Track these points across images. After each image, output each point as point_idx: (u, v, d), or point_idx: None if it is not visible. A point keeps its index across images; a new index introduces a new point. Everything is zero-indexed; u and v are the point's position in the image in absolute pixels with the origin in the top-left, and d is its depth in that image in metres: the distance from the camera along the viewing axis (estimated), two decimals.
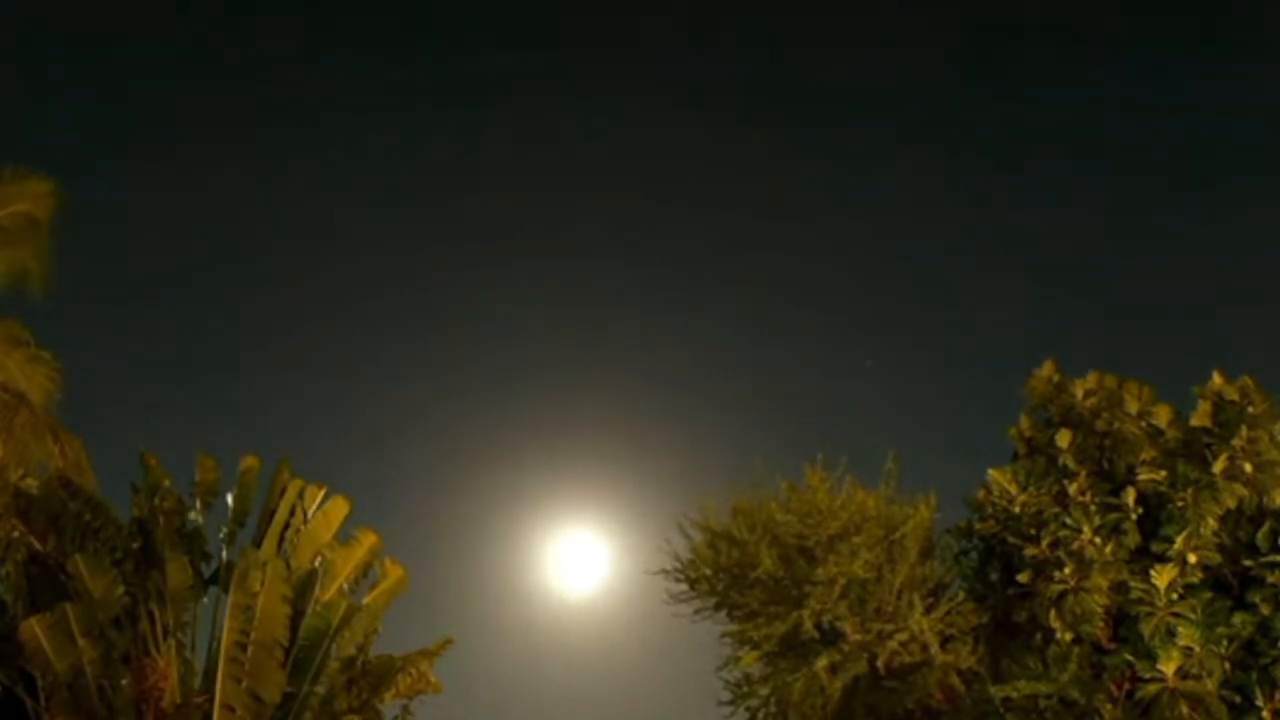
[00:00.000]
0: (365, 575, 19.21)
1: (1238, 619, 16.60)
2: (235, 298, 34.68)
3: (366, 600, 19.05)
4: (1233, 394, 17.56)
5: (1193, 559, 16.66)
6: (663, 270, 35.03)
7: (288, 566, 17.94)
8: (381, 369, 34.99)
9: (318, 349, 34.26)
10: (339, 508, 19.19)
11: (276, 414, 32.61)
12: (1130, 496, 17.14)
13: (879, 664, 17.59)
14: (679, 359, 33.66)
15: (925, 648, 17.46)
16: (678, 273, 35.64)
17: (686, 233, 36.05)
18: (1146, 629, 16.54)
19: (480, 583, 28.71)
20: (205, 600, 18.30)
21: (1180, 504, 16.91)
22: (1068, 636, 16.94)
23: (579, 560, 27.92)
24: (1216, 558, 16.84)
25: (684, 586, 18.77)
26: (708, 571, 18.57)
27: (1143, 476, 17.31)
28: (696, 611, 18.77)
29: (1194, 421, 17.61)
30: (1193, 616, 16.48)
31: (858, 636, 17.47)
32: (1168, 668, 16.36)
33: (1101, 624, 16.94)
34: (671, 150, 36.08)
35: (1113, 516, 17.16)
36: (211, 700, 16.96)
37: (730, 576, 18.35)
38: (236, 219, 35.24)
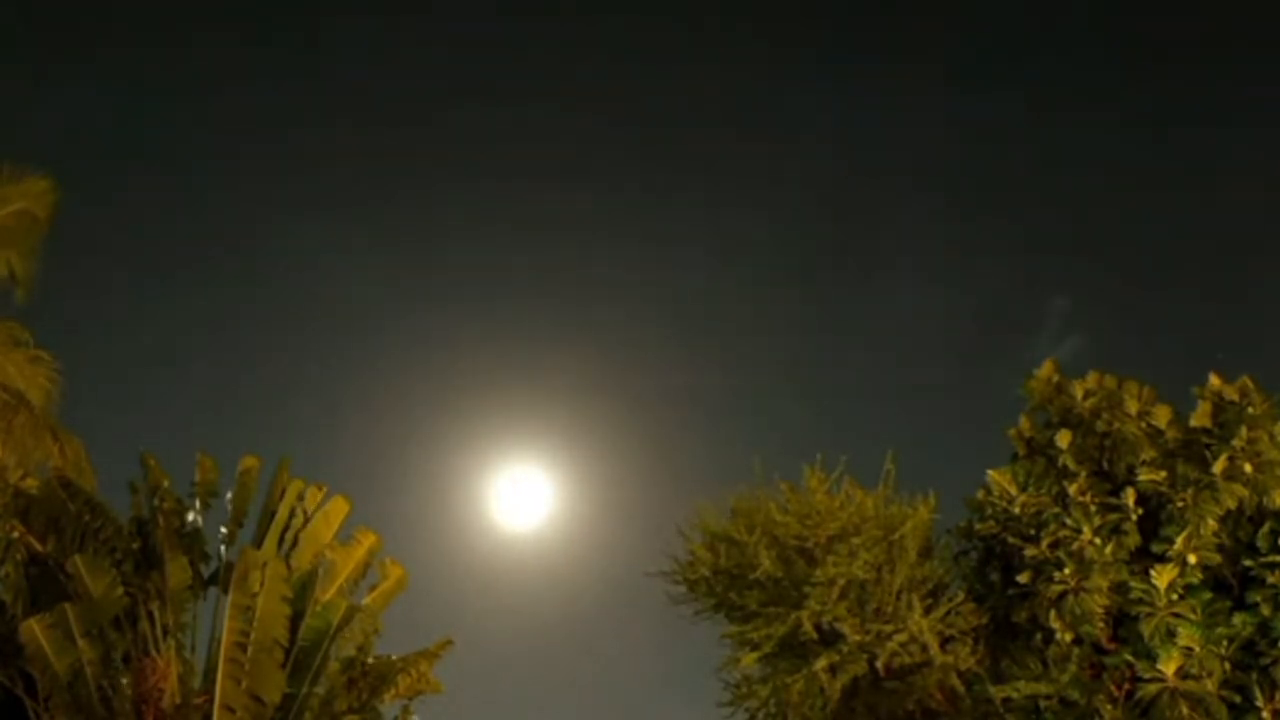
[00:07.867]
0: (365, 575, 19.24)
1: (1238, 619, 16.55)
2: (235, 298, 34.79)
3: (366, 600, 19.06)
4: (1232, 394, 17.52)
5: (1193, 559, 16.62)
6: (657, 264, 35.27)
7: (288, 567, 17.95)
8: (382, 368, 35.04)
9: (318, 349, 34.32)
10: (339, 508, 19.22)
11: (276, 414, 32.67)
12: (1130, 497, 17.10)
13: (878, 665, 17.53)
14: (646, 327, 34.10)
15: (925, 648, 17.40)
16: (676, 270, 35.81)
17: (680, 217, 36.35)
18: (1146, 629, 16.49)
19: (427, 518, 29.18)
20: (205, 600, 18.33)
21: (1180, 504, 16.87)
22: (1068, 637, 16.91)
23: (523, 495, 29.18)
24: (1216, 558, 16.80)
25: (683, 588, 18.77)
26: (706, 573, 18.52)
27: (1143, 477, 17.27)
28: (696, 613, 18.76)
29: (1194, 422, 17.56)
30: (1193, 616, 16.43)
31: (857, 637, 17.41)
32: (1168, 668, 16.31)
33: (1101, 624, 16.89)
34: (672, 145, 36.22)
35: (1113, 517, 17.12)
36: (211, 700, 16.96)
37: (729, 578, 18.29)
38: (236, 219, 35.35)
